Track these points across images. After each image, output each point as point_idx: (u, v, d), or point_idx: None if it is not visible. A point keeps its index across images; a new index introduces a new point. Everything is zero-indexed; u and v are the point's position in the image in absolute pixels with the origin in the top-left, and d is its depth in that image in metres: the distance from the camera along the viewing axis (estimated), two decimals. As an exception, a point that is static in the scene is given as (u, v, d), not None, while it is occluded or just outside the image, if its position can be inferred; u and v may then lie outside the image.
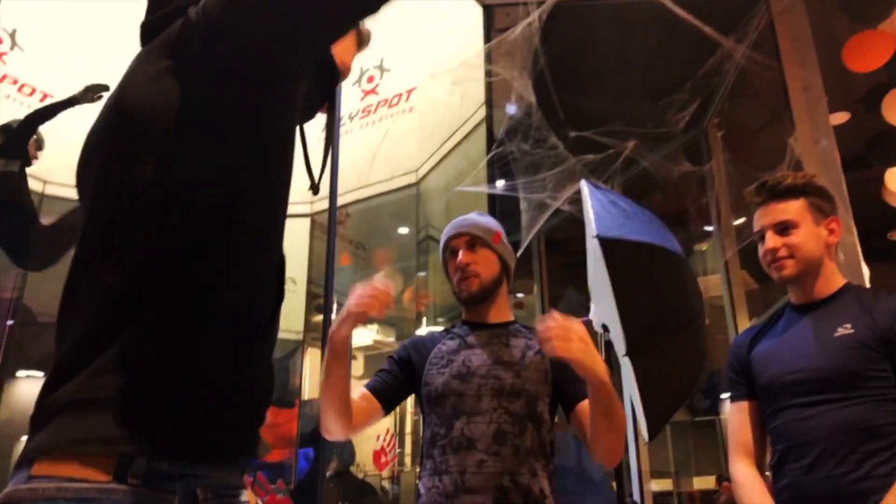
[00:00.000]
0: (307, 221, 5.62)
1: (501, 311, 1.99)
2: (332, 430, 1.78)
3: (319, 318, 5.91)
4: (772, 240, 1.92)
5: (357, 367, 6.81)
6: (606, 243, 2.13)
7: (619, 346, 2.21)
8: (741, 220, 4.03)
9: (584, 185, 2.35)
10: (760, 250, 1.97)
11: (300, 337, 5.79)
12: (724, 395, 7.19)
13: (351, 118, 5.15)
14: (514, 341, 1.91)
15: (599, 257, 2.14)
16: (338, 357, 1.73)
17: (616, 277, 2.12)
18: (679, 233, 2.51)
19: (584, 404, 1.82)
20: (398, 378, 1.93)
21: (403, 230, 5.78)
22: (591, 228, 2.18)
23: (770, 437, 1.90)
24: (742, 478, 1.86)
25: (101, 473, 0.72)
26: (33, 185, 5.27)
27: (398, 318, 6.39)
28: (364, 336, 6.67)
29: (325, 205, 5.36)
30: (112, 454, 0.73)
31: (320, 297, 5.77)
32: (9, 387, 6.34)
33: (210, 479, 0.81)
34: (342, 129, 4.75)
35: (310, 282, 5.68)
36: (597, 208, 2.23)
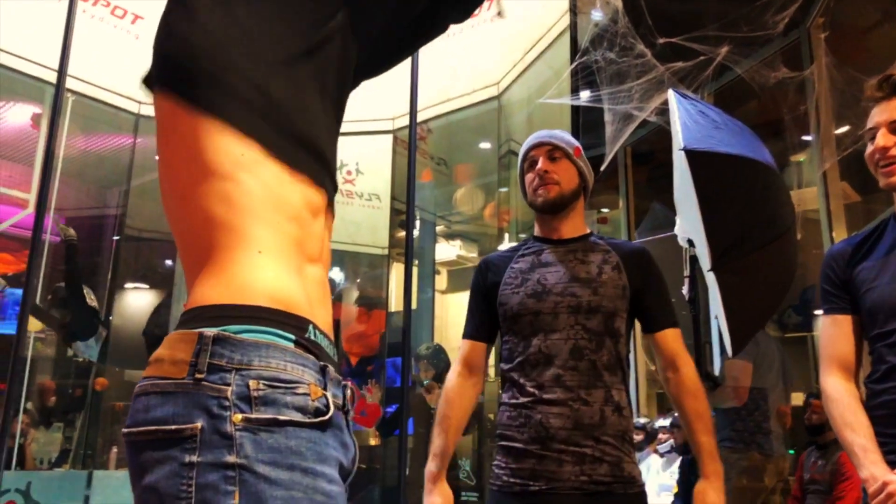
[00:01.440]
0: (389, 138, 5.64)
1: (577, 226, 1.97)
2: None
3: (403, 233, 6.02)
4: (884, 138, 1.71)
5: (441, 281, 6.94)
6: (693, 156, 2.07)
7: (704, 261, 2.18)
8: (843, 129, 3.79)
9: (672, 95, 2.27)
10: (868, 150, 1.76)
11: (385, 252, 5.92)
12: (818, 312, 6.95)
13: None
14: (591, 256, 1.90)
15: (686, 170, 2.09)
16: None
17: (702, 191, 2.07)
18: (774, 144, 2.41)
19: (664, 334, 1.88)
20: (485, 311, 1.97)
21: (485, 145, 5.73)
22: (678, 140, 2.12)
23: (872, 356, 1.82)
24: (834, 392, 1.77)
25: (179, 372, 0.86)
26: (128, 105, 5.49)
27: (480, 234, 6.43)
28: (447, 251, 6.76)
29: (406, 121, 5.36)
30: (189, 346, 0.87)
31: (403, 213, 5.87)
32: (118, 297, 6.82)
33: (266, 371, 0.87)
34: (422, 43, 4.67)
35: (393, 198, 5.76)
36: (684, 119, 2.15)
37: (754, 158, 2.12)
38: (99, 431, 5.92)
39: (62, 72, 2.96)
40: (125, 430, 0.87)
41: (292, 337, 0.90)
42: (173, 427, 0.83)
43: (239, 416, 0.83)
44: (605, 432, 1.75)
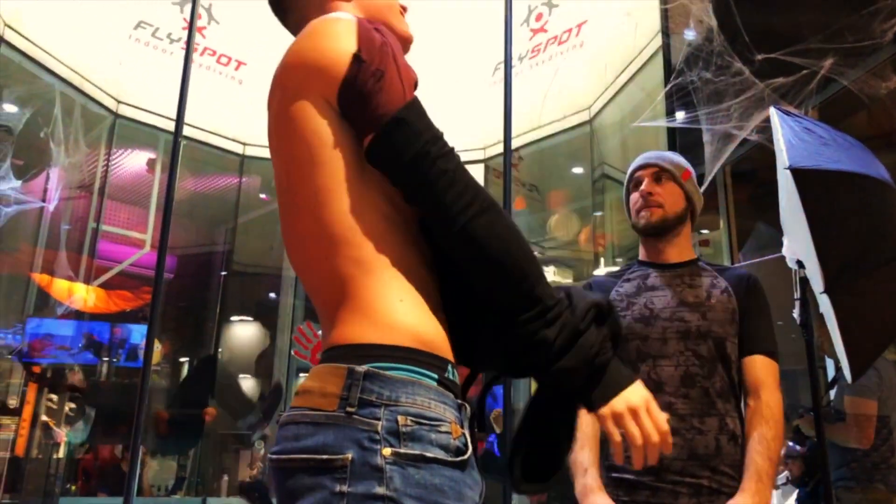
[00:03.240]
0: (481, 167, 5.70)
1: (683, 250, 1.92)
2: None
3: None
4: None
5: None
6: (800, 174, 1.99)
7: (817, 283, 2.08)
8: (965, 137, 3.55)
9: (774, 113, 2.19)
10: None
11: (479, 280, 5.93)
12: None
13: (521, 59, 5.11)
14: (699, 280, 1.85)
15: (793, 190, 2.01)
16: None
17: (812, 210, 1.98)
18: (887, 155, 2.28)
19: (753, 360, 1.78)
20: None
21: (578, 170, 5.69)
22: (783, 159, 2.04)
23: None
24: None
25: (330, 405, 0.91)
26: (234, 147, 5.79)
27: (576, 259, 6.36)
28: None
29: (497, 149, 5.40)
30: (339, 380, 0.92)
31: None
32: (225, 330, 7.13)
33: (412, 407, 0.90)
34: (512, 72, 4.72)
35: (487, 226, 5.77)
36: (788, 137, 2.08)
37: (866, 174, 2.01)
38: (209, 460, 6.17)
39: (180, 119, 3.16)
40: (273, 456, 0.92)
41: (435, 376, 0.94)
42: (325, 457, 0.87)
43: (389, 451, 0.87)
44: (721, 462, 1.68)
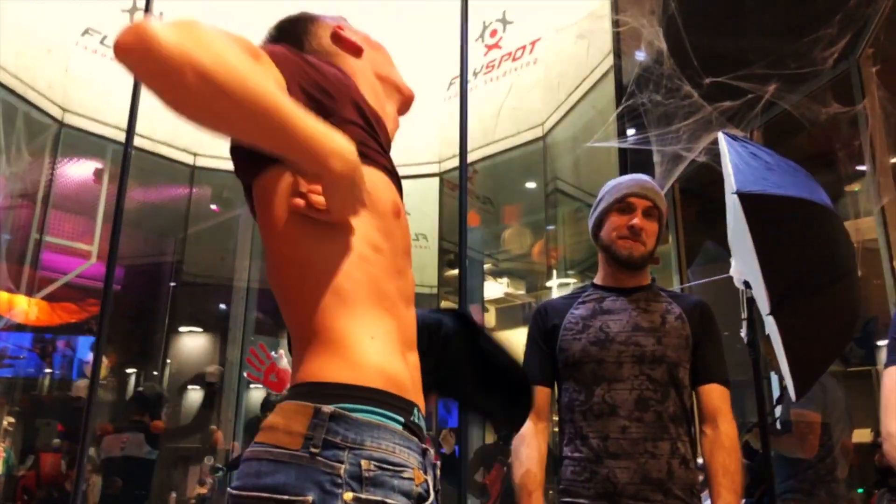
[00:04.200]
0: (436, 180, 5.71)
1: (642, 276, 1.95)
2: None
3: (451, 272, 6.04)
4: None
5: (489, 318, 6.93)
6: (747, 199, 2.05)
7: (763, 305, 2.14)
8: (899, 159, 3.71)
9: (722, 139, 2.25)
10: None
11: (434, 291, 5.95)
12: (881, 343, 6.72)
13: (475, 75, 5.15)
14: (654, 305, 1.87)
15: (740, 213, 2.07)
16: None
17: (758, 234, 2.04)
18: (827, 175, 2.37)
19: (710, 388, 1.82)
20: (546, 355, 1.92)
21: (531, 184, 5.76)
22: (731, 184, 2.10)
23: None
24: None
25: (294, 443, 0.89)
26: (184, 157, 5.69)
27: (528, 272, 6.42)
28: (495, 289, 6.76)
29: (453, 163, 5.43)
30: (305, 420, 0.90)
31: (451, 252, 5.89)
32: (174, 341, 6.99)
33: (377, 452, 0.90)
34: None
35: (441, 238, 5.80)
36: (736, 162, 2.14)
37: (810, 199, 2.09)
38: (156, 475, 6.01)
39: (130, 129, 3.10)
40: (234, 492, 0.91)
41: (401, 420, 0.94)
42: (285, 497, 0.85)
43: (350, 495, 0.86)
44: (674, 485, 1.71)
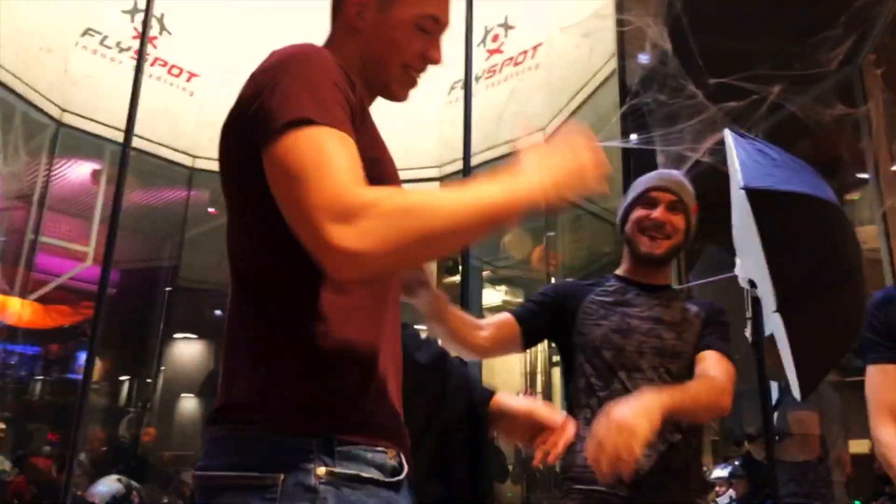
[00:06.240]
0: (436, 186, 5.69)
1: (666, 275, 1.95)
2: (461, 354, 1.73)
3: (450, 278, 6.01)
4: None
5: (487, 327, 6.88)
6: (754, 194, 2.02)
7: (769, 302, 2.11)
8: (902, 166, 3.71)
9: (729, 135, 2.23)
10: None
11: (432, 298, 5.91)
12: (879, 355, 6.69)
13: (477, 80, 5.14)
14: (675, 303, 1.87)
15: (747, 209, 2.04)
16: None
17: (765, 230, 2.02)
18: (831, 181, 2.35)
19: (707, 353, 1.78)
20: (544, 316, 1.86)
21: (532, 190, 5.74)
22: (738, 179, 2.08)
23: None
24: (891, 440, 1.77)
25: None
26: (183, 159, 5.67)
27: (527, 279, 6.39)
28: (493, 296, 6.73)
29: (453, 168, 5.41)
30: None
31: (450, 259, 5.86)
32: (168, 348, 6.93)
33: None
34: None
35: (440, 244, 5.77)
36: (743, 158, 2.12)
37: (817, 195, 2.06)
38: (149, 482, 5.95)
39: (129, 130, 3.07)
40: (199, 473, 0.87)
41: None
42: (255, 475, 0.82)
43: (323, 470, 0.83)
44: (689, 478, 1.71)
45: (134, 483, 3.92)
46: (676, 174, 1.97)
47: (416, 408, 1.05)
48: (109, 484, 3.76)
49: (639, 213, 1.88)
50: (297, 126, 0.82)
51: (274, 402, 0.86)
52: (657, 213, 1.86)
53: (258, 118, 0.87)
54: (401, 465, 0.91)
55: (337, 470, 0.83)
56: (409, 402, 1.00)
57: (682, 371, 1.76)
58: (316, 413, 0.85)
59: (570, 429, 1.20)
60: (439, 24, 1.08)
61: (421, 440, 1.13)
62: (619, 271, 1.97)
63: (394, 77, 1.06)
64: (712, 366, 1.76)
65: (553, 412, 1.22)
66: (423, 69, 1.08)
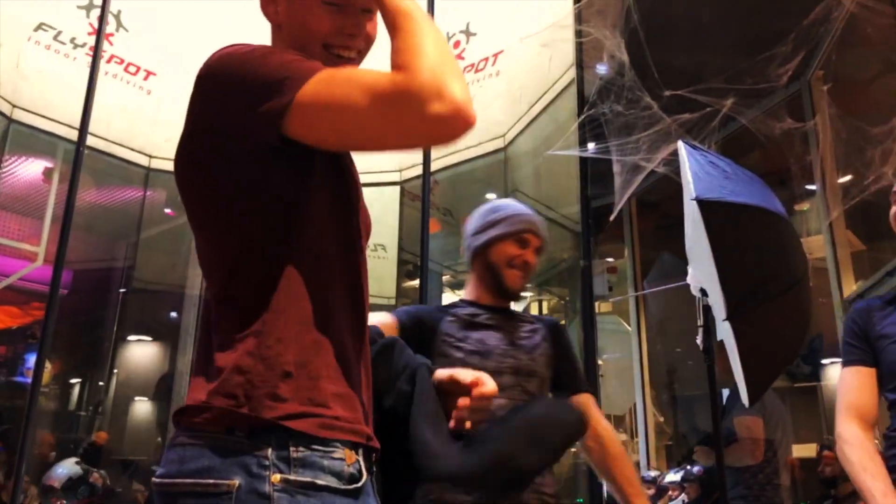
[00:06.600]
0: (397, 189, 5.69)
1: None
2: None
3: (409, 283, 6.01)
4: None
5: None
6: (706, 205, 2.08)
7: (719, 311, 2.17)
8: (847, 178, 3.83)
9: (682, 147, 2.29)
10: (893, 210, 1.89)
11: (392, 301, 5.91)
12: (826, 361, 6.90)
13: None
14: (523, 325, 1.97)
15: (698, 220, 2.10)
16: None
17: (715, 240, 2.07)
18: (778, 193, 2.42)
19: (581, 398, 1.94)
20: (406, 333, 1.86)
21: (491, 195, 5.78)
22: (690, 190, 2.13)
23: (891, 410, 1.84)
24: (852, 438, 1.81)
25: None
26: (139, 159, 5.57)
27: (487, 283, 6.42)
28: (452, 300, 6.75)
29: (413, 172, 5.42)
30: None
31: (409, 263, 5.87)
32: (121, 350, 6.80)
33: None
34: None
35: (400, 249, 5.78)
36: (695, 170, 2.17)
37: (766, 208, 2.13)
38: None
39: (84, 127, 3.01)
40: (157, 480, 0.87)
41: None
42: (210, 481, 0.83)
43: (278, 477, 0.83)
44: (543, 485, 1.79)
45: (93, 468, 3.88)
46: (537, 217, 2.05)
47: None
48: (68, 466, 3.74)
49: (512, 249, 1.96)
50: (301, 85, 0.87)
51: (223, 406, 0.86)
52: (529, 255, 1.96)
53: (243, 121, 0.89)
54: (360, 471, 0.91)
55: (292, 477, 0.83)
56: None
57: (536, 389, 1.87)
58: (267, 417, 0.85)
59: (485, 386, 1.12)
60: None
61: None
62: (468, 296, 2.03)
63: (320, 59, 1.02)
64: (598, 419, 1.93)
65: (470, 372, 1.16)
66: (347, 45, 1.05)
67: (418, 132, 0.89)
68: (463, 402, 1.10)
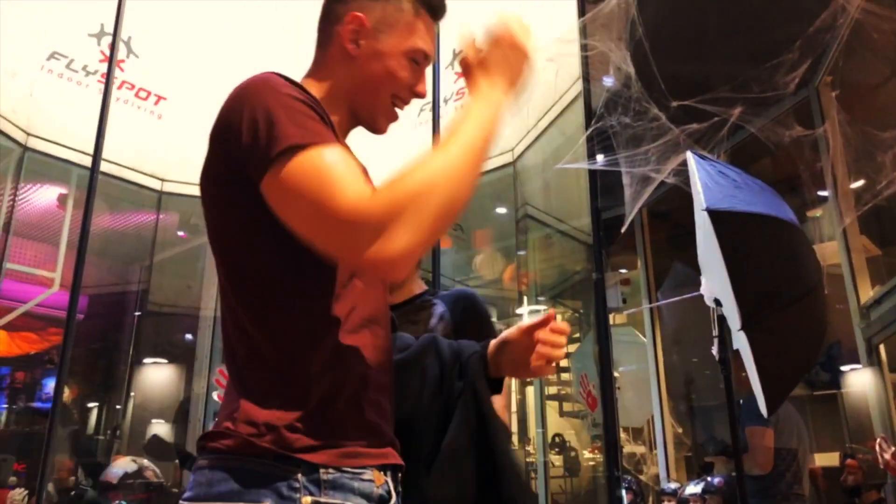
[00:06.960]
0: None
1: (410, 289, 1.86)
2: None
3: (423, 299, 6.00)
4: None
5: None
6: (716, 216, 2.08)
7: (734, 321, 2.16)
8: (860, 183, 3.81)
9: (691, 157, 2.29)
10: None
11: (406, 319, 5.91)
12: (845, 368, 6.82)
13: (445, 101, 5.19)
14: (421, 315, 1.80)
15: (710, 230, 2.10)
16: None
17: (728, 250, 2.07)
18: (790, 200, 2.41)
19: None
20: None
21: (501, 210, 5.79)
22: (700, 201, 2.13)
23: None
24: None
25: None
26: (151, 183, 5.62)
27: (499, 298, 6.42)
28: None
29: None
30: None
31: (422, 278, 5.86)
32: (138, 373, 6.83)
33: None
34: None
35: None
36: (705, 180, 2.17)
37: (777, 216, 2.13)
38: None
39: (97, 153, 3.05)
40: (184, 503, 0.87)
41: None
42: None
43: (308, 500, 0.83)
44: None
45: (147, 462, 4.05)
46: None
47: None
48: (124, 464, 3.93)
49: None
50: (291, 153, 0.85)
51: (246, 433, 0.86)
52: None
53: (245, 156, 0.88)
54: (388, 493, 0.91)
55: (322, 500, 0.84)
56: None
57: None
58: (294, 439, 0.86)
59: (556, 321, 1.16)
60: (427, 59, 1.10)
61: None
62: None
63: (382, 106, 1.08)
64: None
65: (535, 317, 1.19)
66: (408, 101, 1.10)
67: (342, 257, 0.88)
68: (543, 335, 1.14)
